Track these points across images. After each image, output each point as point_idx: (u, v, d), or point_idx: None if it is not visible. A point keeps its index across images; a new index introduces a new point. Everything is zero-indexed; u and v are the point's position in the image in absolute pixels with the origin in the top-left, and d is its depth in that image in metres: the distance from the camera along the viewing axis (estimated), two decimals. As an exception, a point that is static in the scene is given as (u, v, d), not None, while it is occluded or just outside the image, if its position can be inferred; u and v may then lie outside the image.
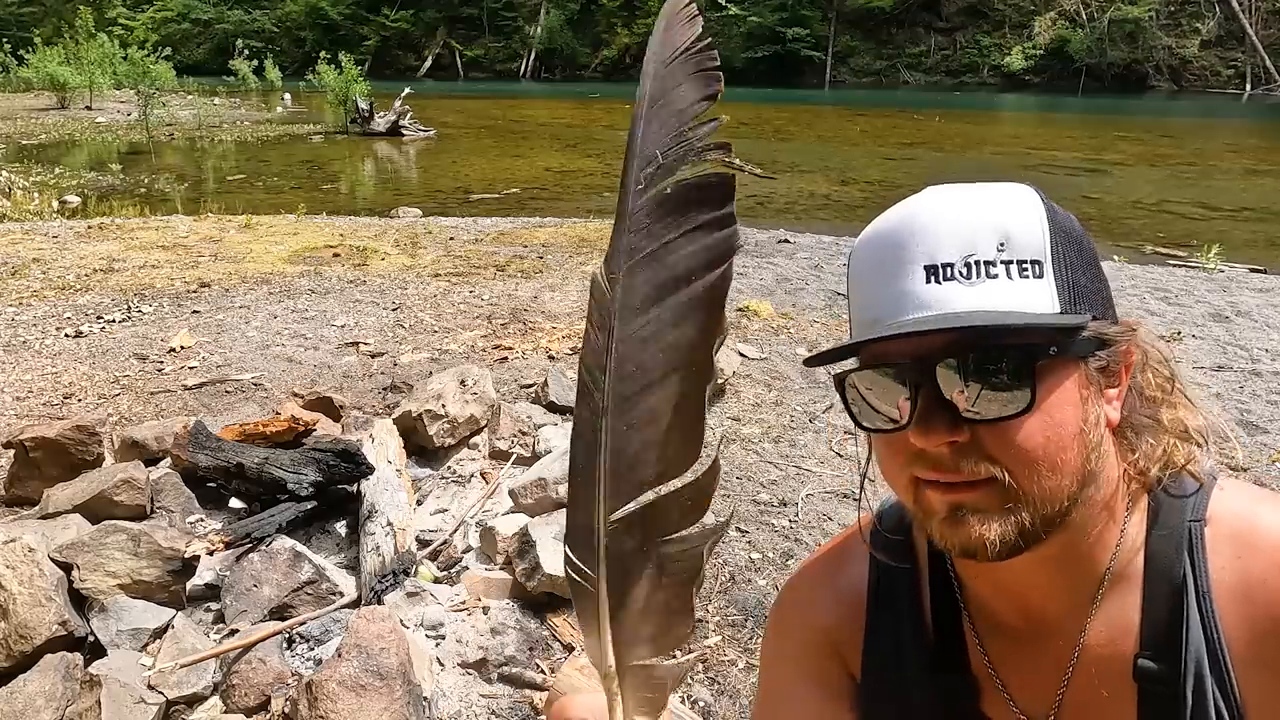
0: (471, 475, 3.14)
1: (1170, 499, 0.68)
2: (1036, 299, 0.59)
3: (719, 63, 0.46)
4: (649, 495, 0.46)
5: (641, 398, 0.46)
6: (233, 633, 2.26)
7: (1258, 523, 0.66)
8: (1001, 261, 0.60)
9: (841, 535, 0.88)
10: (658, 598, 0.47)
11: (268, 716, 2.04)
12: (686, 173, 0.43)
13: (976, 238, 0.60)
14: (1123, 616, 0.68)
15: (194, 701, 2.08)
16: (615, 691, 0.48)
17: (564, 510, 2.76)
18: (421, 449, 3.26)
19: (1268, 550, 0.65)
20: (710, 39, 0.49)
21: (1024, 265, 0.60)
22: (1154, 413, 0.67)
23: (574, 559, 0.49)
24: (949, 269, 0.60)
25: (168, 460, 2.97)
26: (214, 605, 2.41)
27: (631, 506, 0.45)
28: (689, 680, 2.36)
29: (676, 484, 0.45)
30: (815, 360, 0.63)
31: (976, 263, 0.59)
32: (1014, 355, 0.59)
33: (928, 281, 0.60)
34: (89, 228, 8.33)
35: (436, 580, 2.58)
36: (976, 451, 0.60)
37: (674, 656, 0.48)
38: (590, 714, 0.58)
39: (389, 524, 2.59)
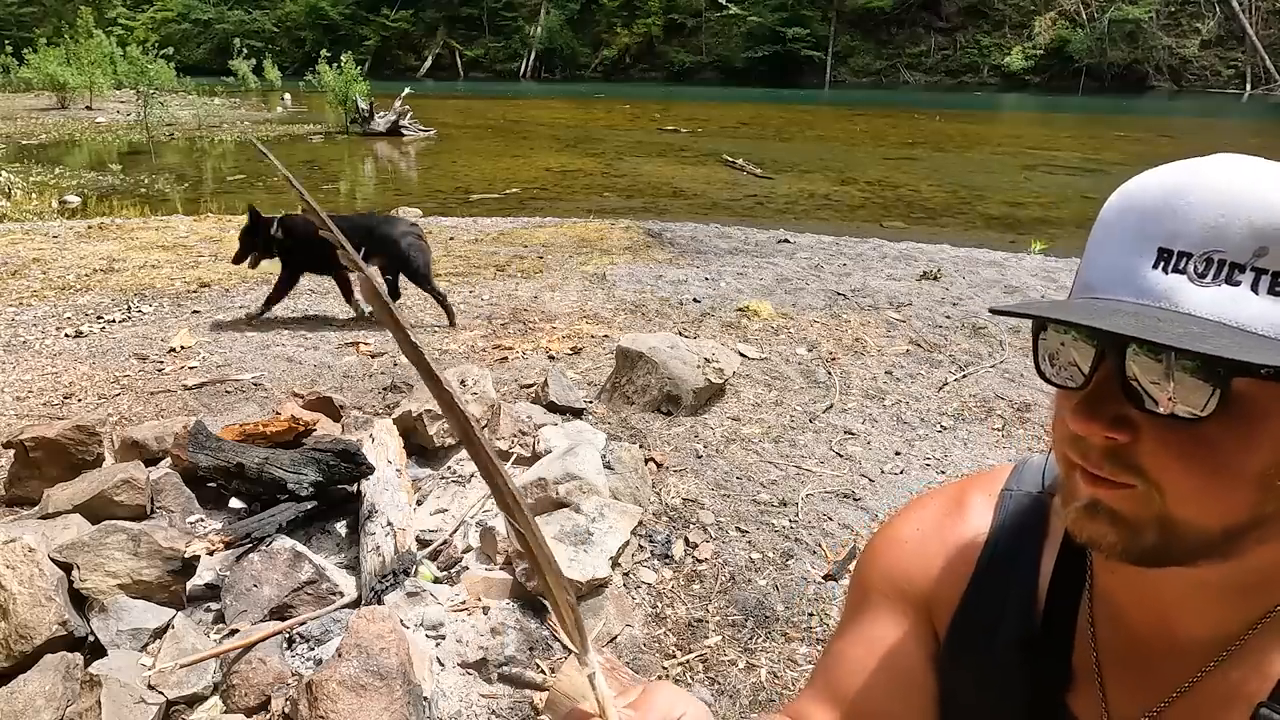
0: (471, 475, 3.14)
1: None
2: (1275, 320, 0.50)
3: None
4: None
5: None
6: (233, 633, 2.26)
7: None
8: (1253, 268, 0.50)
9: (966, 480, 0.82)
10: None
11: (268, 716, 2.04)
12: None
13: (1231, 232, 0.51)
14: (1267, 660, 0.61)
15: (194, 701, 2.09)
16: (594, 670, 0.57)
17: (564, 509, 2.77)
18: (421, 449, 3.26)
19: None
20: None
21: (1278, 280, 0.50)
22: None
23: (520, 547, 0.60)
24: (1185, 259, 0.52)
25: (168, 460, 2.97)
26: (214, 605, 2.41)
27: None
28: (689, 680, 2.36)
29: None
30: (1003, 311, 0.56)
31: (1220, 262, 0.51)
32: (1216, 359, 0.50)
33: (1155, 265, 0.53)
34: (89, 228, 8.34)
35: (436, 580, 2.58)
36: (1128, 458, 0.55)
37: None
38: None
39: (389, 524, 2.59)
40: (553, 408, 3.80)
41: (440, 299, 5.43)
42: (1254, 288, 0.50)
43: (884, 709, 0.75)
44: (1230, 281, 0.51)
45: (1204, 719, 0.63)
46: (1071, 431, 0.56)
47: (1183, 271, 0.52)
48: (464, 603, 2.47)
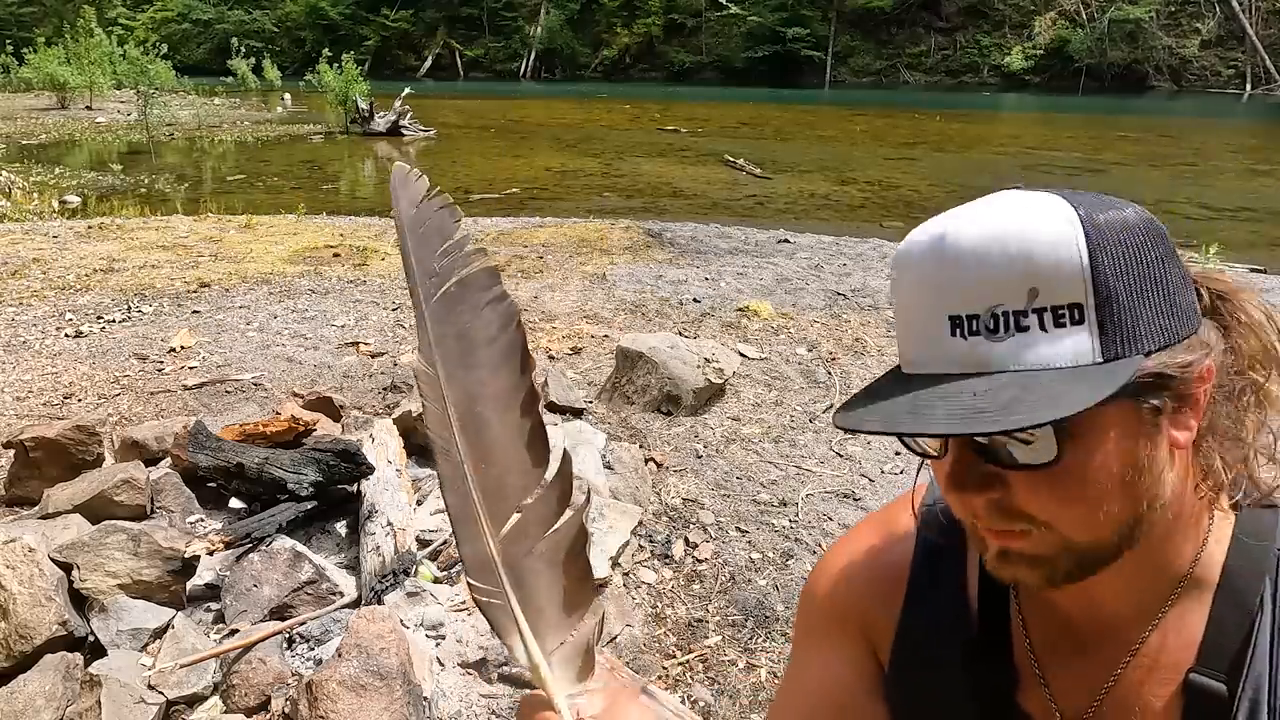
0: (471, 475, 3.14)
1: (1258, 513, 0.65)
2: (1074, 349, 0.54)
3: (450, 199, 0.62)
4: (518, 513, 0.57)
5: (487, 439, 0.58)
6: (233, 633, 2.26)
7: None
8: (1033, 310, 0.54)
9: (886, 509, 0.85)
10: (555, 577, 0.58)
11: (268, 716, 2.05)
12: (459, 274, 0.58)
13: (1002, 286, 0.54)
14: (1187, 626, 0.66)
15: (194, 701, 2.09)
16: (544, 677, 0.57)
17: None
18: (421, 449, 3.26)
19: None
20: (438, 188, 0.63)
21: (1060, 312, 0.54)
22: (1239, 419, 0.62)
23: (478, 584, 0.58)
24: (974, 321, 0.55)
25: (168, 460, 2.97)
26: (214, 605, 2.41)
27: (514, 521, 0.56)
28: (689, 680, 2.36)
29: (542, 486, 0.57)
30: (844, 427, 0.59)
31: (1004, 314, 0.54)
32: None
33: (953, 334, 0.56)
34: (89, 228, 8.33)
35: (436, 580, 2.58)
36: (1011, 507, 0.59)
37: (585, 621, 0.59)
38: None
39: (389, 524, 2.59)
40: (553, 408, 3.80)
41: None
42: (1042, 327, 0.54)
43: None
44: (1020, 329, 0.54)
45: (1144, 693, 0.66)
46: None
47: (977, 332, 0.55)
48: (464, 603, 2.47)
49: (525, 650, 0.58)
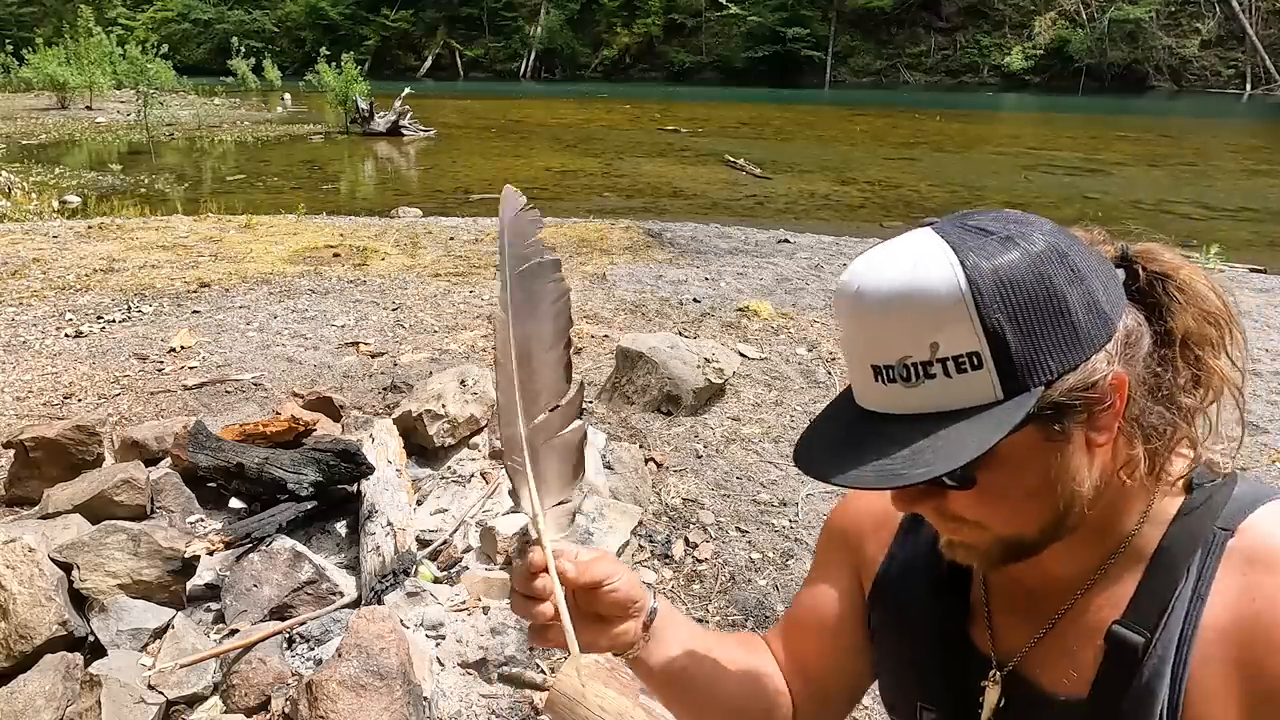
0: (471, 475, 3.14)
1: (1208, 489, 0.73)
2: (978, 390, 0.62)
3: (539, 212, 0.87)
4: (544, 414, 0.80)
5: (534, 363, 0.80)
6: (233, 633, 2.26)
7: (1278, 553, 0.69)
8: (937, 360, 0.61)
9: None
10: (558, 462, 0.81)
11: (268, 716, 2.05)
12: (535, 260, 0.84)
13: (907, 342, 0.62)
14: (1122, 588, 0.74)
15: (194, 701, 2.09)
16: (540, 526, 0.78)
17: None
18: (421, 449, 3.26)
19: (1274, 587, 0.68)
20: (533, 204, 0.87)
21: (960, 360, 0.61)
22: (1169, 406, 0.68)
23: (509, 455, 0.80)
24: (890, 370, 0.63)
25: (168, 460, 2.97)
26: (214, 605, 2.41)
27: (540, 419, 0.79)
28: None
29: (562, 402, 0.80)
30: (797, 464, 0.69)
31: (913, 365, 0.62)
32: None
33: (876, 379, 0.64)
34: (89, 228, 8.33)
35: (436, 580, 2.58)
36: (948, 511, 0.69)
37: (571, 499, 0.82)
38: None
39: (389, 524, 2.59)
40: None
41: None
42: (946, 374, 0.61)
43: (811, 647, 0.96)
44: (928, 375, 0.62)
45: (1073, 641, 0.75)
46: None
47: (893, 380, 0.63)
48: (464, 603, 2.47)
49: (530, 502, 0.79)
